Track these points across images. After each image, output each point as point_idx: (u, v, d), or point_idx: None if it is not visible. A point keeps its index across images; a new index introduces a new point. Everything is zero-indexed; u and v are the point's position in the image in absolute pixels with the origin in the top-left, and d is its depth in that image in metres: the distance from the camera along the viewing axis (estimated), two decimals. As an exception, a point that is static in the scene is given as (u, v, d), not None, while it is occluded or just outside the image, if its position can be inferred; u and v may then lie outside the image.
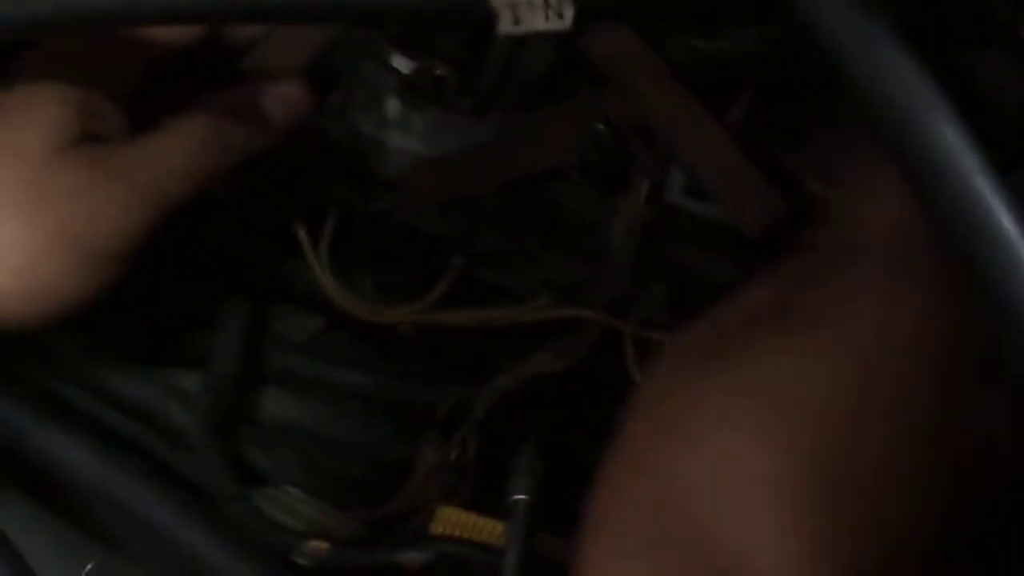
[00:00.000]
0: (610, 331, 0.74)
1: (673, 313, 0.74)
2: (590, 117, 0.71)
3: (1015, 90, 0.60)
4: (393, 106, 0.77)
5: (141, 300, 0.79)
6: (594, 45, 0.68)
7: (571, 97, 0.72)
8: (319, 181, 0.79)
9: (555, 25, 0.54)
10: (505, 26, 0.54)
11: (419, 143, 0.77)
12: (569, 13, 0.53)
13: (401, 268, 0.79)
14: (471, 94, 0.74)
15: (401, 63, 0.75)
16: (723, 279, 0.73)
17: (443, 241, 0.78)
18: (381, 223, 0.79)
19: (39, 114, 0.68)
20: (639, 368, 0.72)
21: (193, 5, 0.57)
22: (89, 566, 0.78)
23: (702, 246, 0.73)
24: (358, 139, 0.78)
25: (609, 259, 0.73)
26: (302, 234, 0.79)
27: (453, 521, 0.73)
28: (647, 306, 0.74)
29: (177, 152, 0.69)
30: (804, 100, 0.69)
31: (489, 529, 0.72)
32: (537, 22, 0.54)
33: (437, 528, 0.73)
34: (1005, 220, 0.44)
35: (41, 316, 0.69)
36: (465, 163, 0.74)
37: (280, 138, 0.72)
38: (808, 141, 0.69)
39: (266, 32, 0.73)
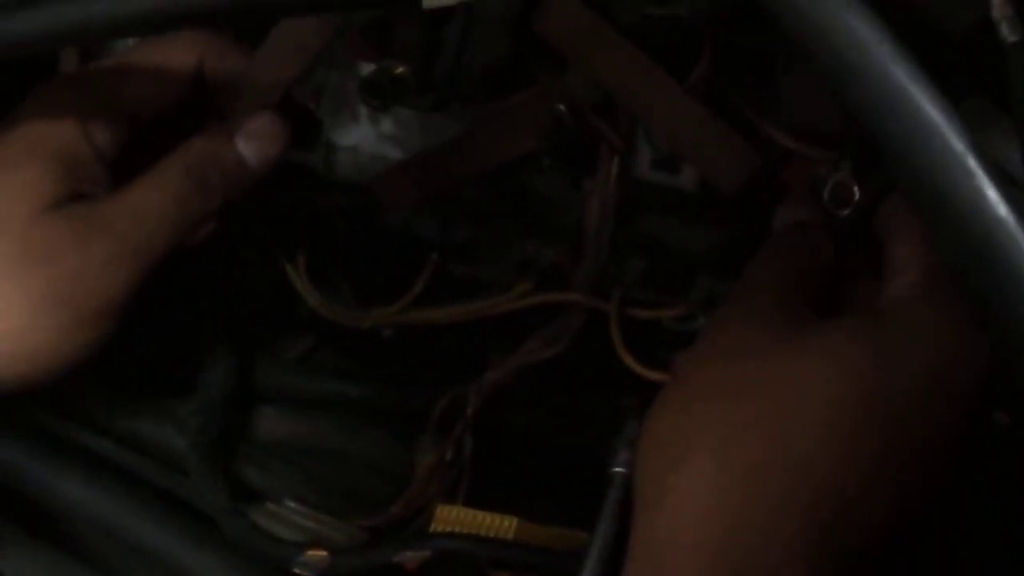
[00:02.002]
0: (595, 313, 0.73)
1: (654, 289, 0.74)
2: (551, 100, 0.70)
3: (959, 19, 0.59)
4: (361, 111, 0.77)
5: (131, 332, 0.79)
6: (547, 25, 0.68)
7: (531, 82, 0.72)
8: (294, 194, 0.79)
9: (479, -8, 0.53)
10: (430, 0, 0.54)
11: (390, 145, 0.77)
12: (493, -21, 0.53)
13: (380, 270, 0.79)
14: (431, 90, 0.73)
15: (360, 66, 0.74)
16: (699, 250, 0.72)
17: (419, 238, 0.77)
18: (357, 229, 0.78)
19: (23, 176, 0.68)
20: (625, 347, 0.71)
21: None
22: (90, 596, 0.78)
23: (675, 218, 0.72)
24: (330, 148, 0.78)
25: (586, 240, 0.72)
26: (279, 247, 0.78)
27: (452, 519, 0.72)
28: (627, 284, 0.73)
29: (158, 202, 0.69)
30: (766, 55, 0.68)
31: (488, 523, 0.71)
32: (461, -8, 0.53)
33: (437, 527, 0.72)
34: (958, 145, 0.43)
35: (35, 378, 0.68)
36: (435, 160, 0.74)
37: (258, 175, 0.72)
38: (774, 97, 0.69)
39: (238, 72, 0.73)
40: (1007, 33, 0.46)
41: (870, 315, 0.59)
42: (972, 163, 0.41)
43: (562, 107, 0.70)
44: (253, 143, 0.72)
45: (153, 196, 0.69)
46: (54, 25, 0.59)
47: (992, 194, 0.41)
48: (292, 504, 0.78)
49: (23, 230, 0.67)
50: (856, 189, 0.65)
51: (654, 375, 0.70)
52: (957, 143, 0.42)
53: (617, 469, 0.70)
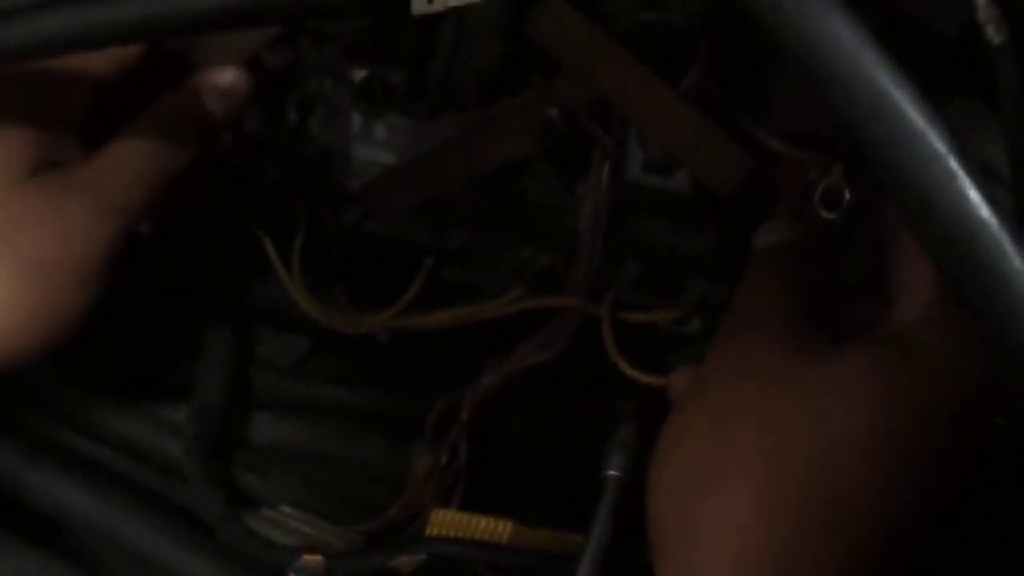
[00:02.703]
0: (589, 317, 0.73)
1: (647, 292, 0.74)
2: (544, 104, 0.70)
3: (948, 21, 0.60)
4: (354, 118, 0.77)
5: (127, 338, 0.80)
6: (541, 30, 0.68)
7: (524, 86, 0.72)
8: (288, 199, 0.79)
9: (467, 0, 0.53)
10: (419, 6, 0.54)
11: (383, 151, 0.77)
12: (480, -14, 0.53)
13: (374, 276, 0.79)
14: (424, 96, 0.74)
15: (353, 72, 0.75)
16: (691, 252, 0.72)
17: (413, 244, 0.77)
18: (352, 234, 0.78)
19: None
20: (618, 351, 0.72)
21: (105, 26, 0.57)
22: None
23: (668, 221, 0.72)
24: (324, 155, 0.78)
25: (579, 244, 0.72)
26: (273, 253, 0.79)
27: (447, 523, 0.72)
28: (621, 287, 0.73)
29: (130, 159, 0.69)
30: (759, 62, 0.68)
31: (483, 527, 0.72)
32: (449, -1, 0.53)
33: (432, 531, 0.72)
34: (941, 147, 0.43)
35: (29, 351, 0.68)
36: (428, 166, 0.74)
37: (226, 126, 0.73)
38: (766, 102, 0.69)
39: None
40: (992, 34, 0.47)
41: (885, 339, 0.59)
42: (954, 165, 0.42)
43: (554, 111, 0.70)
44: (217, 95, 0.72)
45: (125, 154, 0.69)
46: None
47: (975, 196, 0.41)
48: (288, 509, 0.78)
49: (2, 200, 0.67)
50: (846, 191, 0.66)
51: (647, 378, 0.71)
52: (940, 145, 0.42)
53: (611, 472, 0.70)
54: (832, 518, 0.55)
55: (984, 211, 0.41)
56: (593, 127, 0.70)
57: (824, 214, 0.66)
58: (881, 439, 0.56)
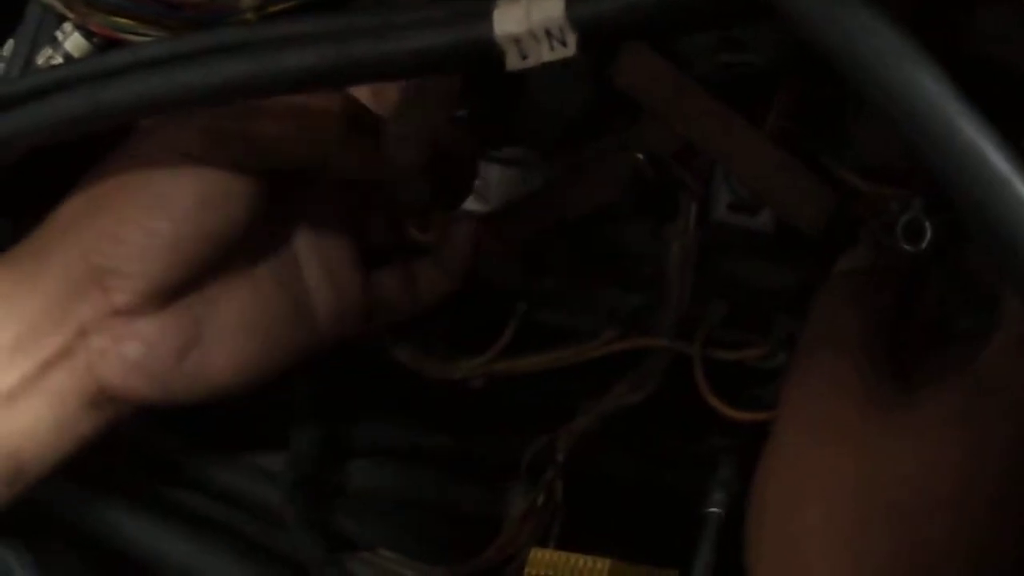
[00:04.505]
0: (679, 356, 0.74)
1: (736, 329, 0.75)
2: (630, 149, 0.71)
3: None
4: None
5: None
6: (624, 76, 0.69)
7: (610, 132, 0.73)
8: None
9: (560, 54, 0.54)
10: (513, 62, 0.55)
11: (474, 199, 0.78)
12: (572, 40, 0.54)
13: (468, 322, 0.80)
14: (512, 143, 0.75)
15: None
16: (778, 289, 0.73)
17: (505, 289, 0.79)
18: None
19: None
20: (710, 389, 0.72)
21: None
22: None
23: (755, 259, 0.73)
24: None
25: (668, 285, 0.73)
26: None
27: (546, 562, 0.73)
28: (711, 326, 0.74)
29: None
30: (838, 99, 0.69)
31: (582, 565, 0.72)
32: (543, 53, 0.54)
33: (531, 571, 0.73)
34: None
35: None
36: (518, 212, 0.76)
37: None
38: (845, 137, 0.70)
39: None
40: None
41: (967, 379, 0.58)
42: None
43: (641, 156, 0.71)
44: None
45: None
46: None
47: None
48: (387, 552, 0.79)
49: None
50: (928, 225, 0.66)
51: (740, 415, 0.71)
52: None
53: (713, 509, 0.71)
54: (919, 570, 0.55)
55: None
56: (679, 170, 0.71)
57: (907, 247, 0.67)
58: (965, 485, 0.55)
